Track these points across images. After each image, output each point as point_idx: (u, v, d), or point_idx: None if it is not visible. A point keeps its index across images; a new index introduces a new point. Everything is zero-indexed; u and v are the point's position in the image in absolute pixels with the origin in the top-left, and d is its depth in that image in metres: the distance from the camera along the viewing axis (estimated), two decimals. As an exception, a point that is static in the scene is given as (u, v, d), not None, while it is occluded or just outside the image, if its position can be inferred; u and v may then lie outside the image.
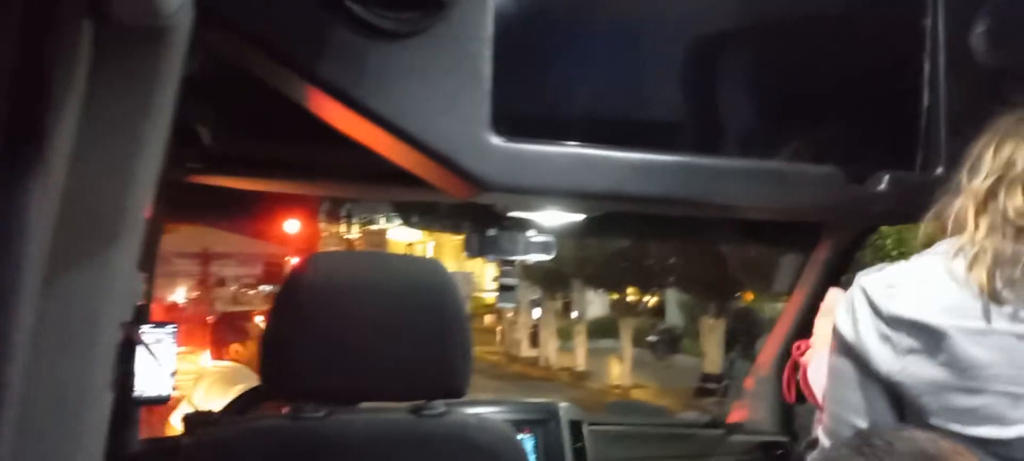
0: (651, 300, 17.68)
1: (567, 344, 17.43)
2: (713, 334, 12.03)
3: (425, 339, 1.24)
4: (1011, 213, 0.96)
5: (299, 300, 1.22)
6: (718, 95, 1.27)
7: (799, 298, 2.60)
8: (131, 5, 0.78)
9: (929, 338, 0.96)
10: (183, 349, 13.20)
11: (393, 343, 1.23)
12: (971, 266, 0.96)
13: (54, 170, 0.76)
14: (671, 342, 16.90)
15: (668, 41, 1.21)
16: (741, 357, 2.95)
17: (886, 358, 0.98)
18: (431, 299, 1.25)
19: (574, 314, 18.03)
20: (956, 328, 0.95)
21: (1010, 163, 0.98)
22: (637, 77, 1.21)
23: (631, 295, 16.60)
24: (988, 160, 1.00)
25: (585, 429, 2.12)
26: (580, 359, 16.46)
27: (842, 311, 1.04)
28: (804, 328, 2.69)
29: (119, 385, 0.93)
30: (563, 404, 2.16)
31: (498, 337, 20.17)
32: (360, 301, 1.23)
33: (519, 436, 1.68)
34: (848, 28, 1.31)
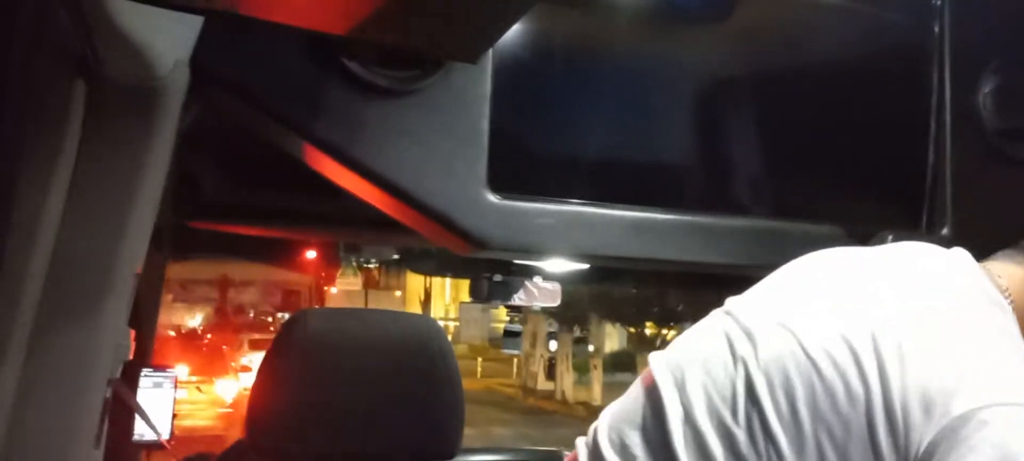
0: (669, 334, 17.52)
1: (584, 377, 17.30)
2: (731, 372, 11.91)
3: (414, 399, 1.23)
4: None
5: (288, 356, 1.22)
6: (718, 153, 1.25)
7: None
8: (124, 66, 0.79)
9: None
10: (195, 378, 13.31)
11: (381, 402, 1.22)
12: None
13: (43, 227, 0.76)
14: (689, 378, 16.67)
15: (667, 99, 1.20)
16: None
17: None
18: (421, 358, 1.24)
19: (591, 347, 17.93)
20: None
21: None
22: (635, 135, 1.20)
23: (649, 329, 16.46)
24: None
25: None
26: (596, 393, 16.34)
27: None
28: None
29: (109, 438, 0.93)
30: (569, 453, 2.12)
31: (514, 370, 20.09)
32: (349, 359, 1.22)
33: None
34: (853, 85, 1.29)
